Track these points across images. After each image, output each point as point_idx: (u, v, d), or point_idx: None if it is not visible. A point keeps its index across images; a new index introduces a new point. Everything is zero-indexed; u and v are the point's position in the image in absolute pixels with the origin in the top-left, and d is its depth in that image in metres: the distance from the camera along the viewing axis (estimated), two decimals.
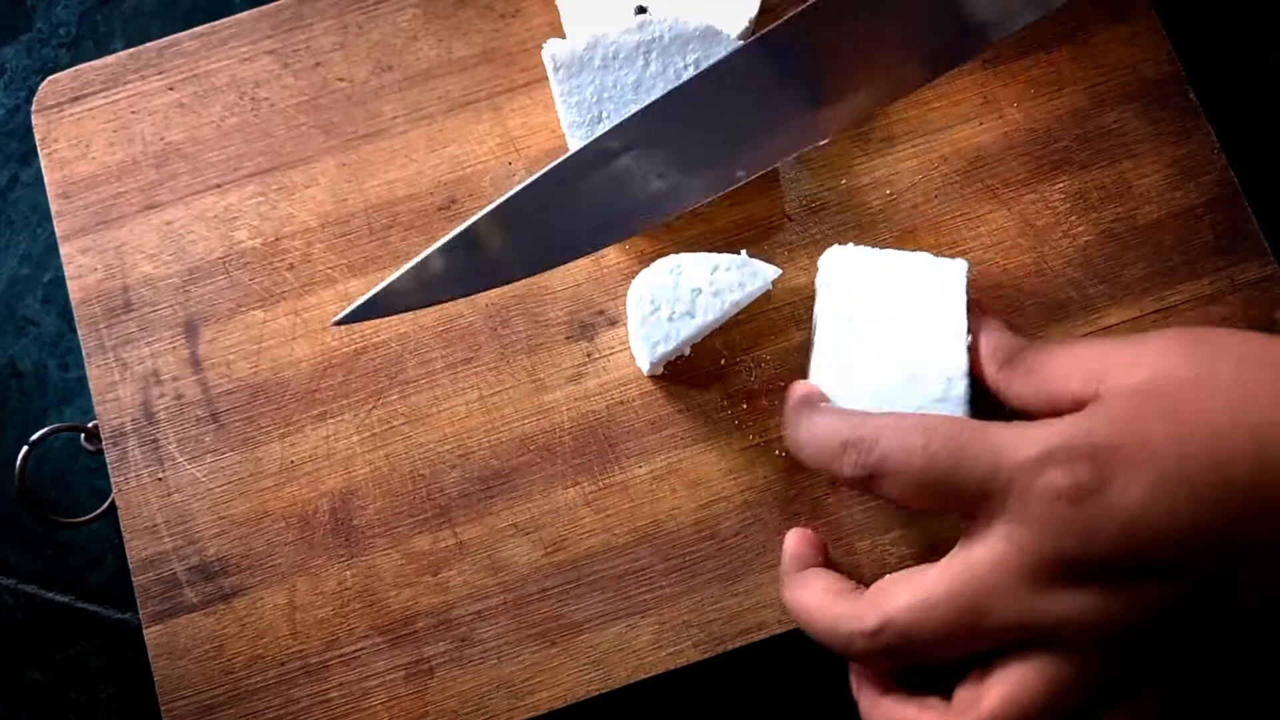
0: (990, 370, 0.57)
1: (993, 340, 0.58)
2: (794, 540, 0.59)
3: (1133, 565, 0.48)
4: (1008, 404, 0.57)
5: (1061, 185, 0.65)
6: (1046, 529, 0.48)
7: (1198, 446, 0.47)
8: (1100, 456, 0.48)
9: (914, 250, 0.59)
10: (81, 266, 0.65)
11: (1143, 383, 0.50)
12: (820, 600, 0.54)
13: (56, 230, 0.66)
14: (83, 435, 0.65)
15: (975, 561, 0.50)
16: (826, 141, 0.60)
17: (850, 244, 0.60)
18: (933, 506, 0.52)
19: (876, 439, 0.52)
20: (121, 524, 0.62)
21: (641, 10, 0.63)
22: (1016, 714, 0.49)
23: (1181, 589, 0.48)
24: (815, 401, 0.57)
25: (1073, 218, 0.64)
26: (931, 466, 0.51)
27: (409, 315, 0.64)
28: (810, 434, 0.56)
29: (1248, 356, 0.49)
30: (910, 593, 0.51)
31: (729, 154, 0.59)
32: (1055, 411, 0.52)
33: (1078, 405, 0.52)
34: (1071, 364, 0.53)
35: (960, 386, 0.57)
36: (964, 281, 0.59)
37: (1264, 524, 0.47)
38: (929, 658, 0.51)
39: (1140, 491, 0.47)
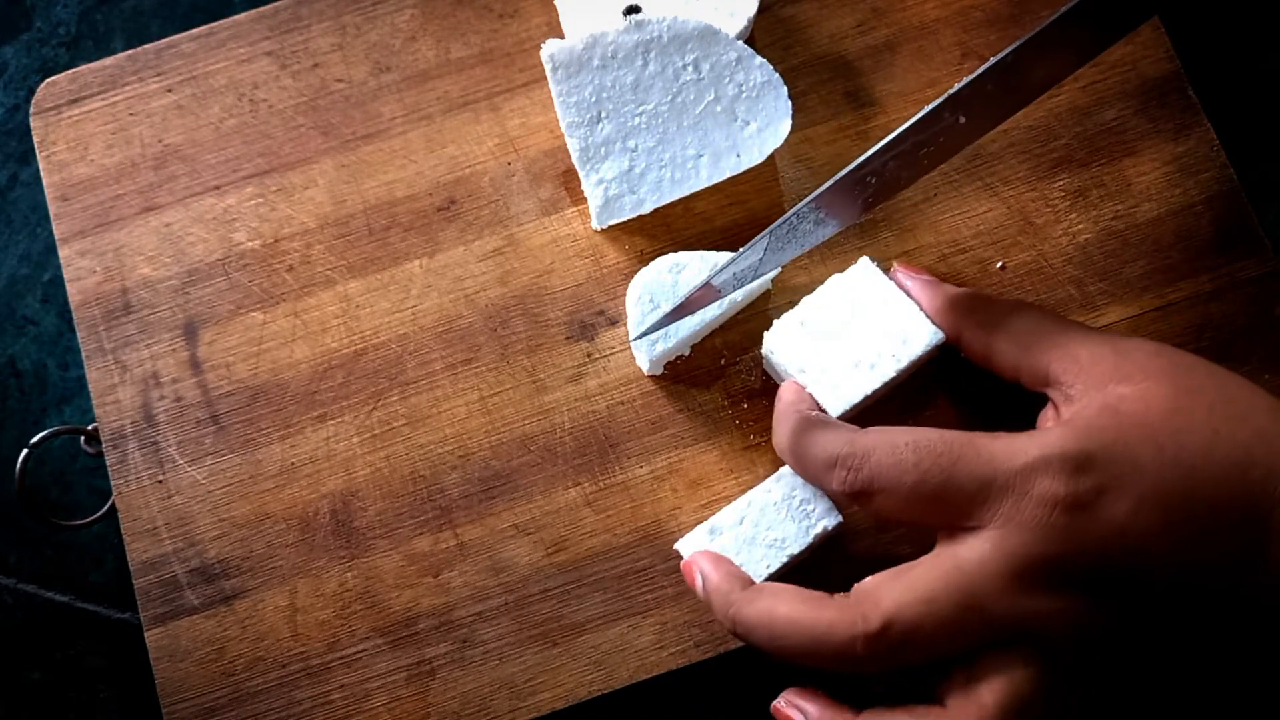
0: (950, 316, 0.59)
1: (946, 291, 0.60)
2: (711, 560, 0.57)
3: (1114, 575, 0.51)
4: (967, 353, 0.59)
5: (1061, 183, 0.65)
6: (1039, 533, 0.50)
7: (1176, 477, 0.51)
8: (1093, 470, 0.51)
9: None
10: (80, 269, 0.65)
11: (1125, 399, 0.53)
12: (801, 609, 0.53)
13: (55, 233, 0.66)
14: (82, 438, 0.65)
15: (965, 560, 0.51)
16: None
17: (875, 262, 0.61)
18: (919, 518, 0.53)
19: (867, 455, 0.53)
20: (122, 527, 0.62)
21: (634, 10, 0.63)
22: (1017, 710, 0.51)
23: (1153, 600, 0.51)
24: (804, 409, 0.57)
25: (1072, 215, 0.64)
26: (924, 482, 0.52)
27: (409, 316, 0.64)
28: (799, 445, 0.56)
29: (1219, 404, 0.52)
30: (906, 590, 0.51)
31: None
32: (1017, 375, 0.57)
33: (1046, 382, 0.56)
34: (1054, 343, 0.55)
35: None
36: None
37: (1218, 550, 0.51)
38: (926, 656, 0.52)
39: (1126, 509, 0.50)
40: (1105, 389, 0.53)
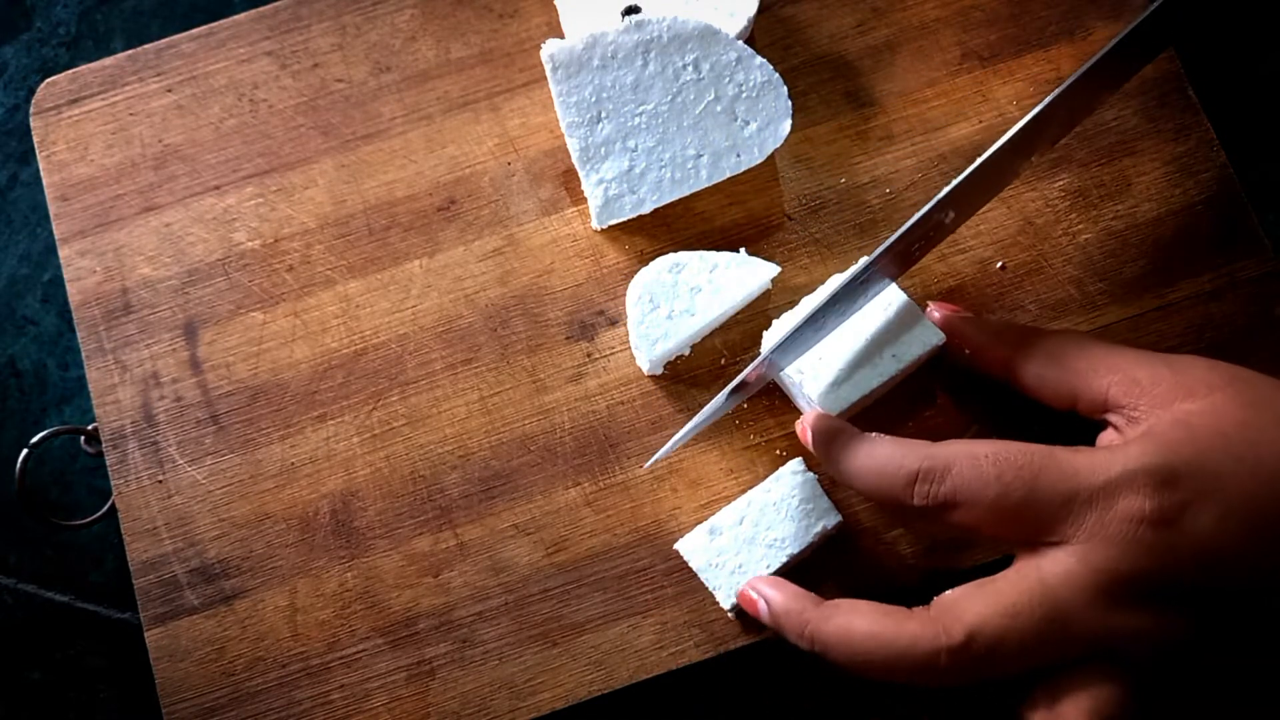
0: (1000, 350, 0.58)
1: (992, 324, 0.60)
2: (770, 583, 0.57)
3: (1195, 587, 0.50)
4: (1019, 386, 0.58)
5: (1061, 183, 0.65)
6: (1125, 549, 0.50)
7: (1259, 485, 0.50)
8: (1178, 484, 0.50)
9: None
10: (80, 269, 0.65)
11: (1194, 414, 0.52)
12: (882, 623, 0.53)
13: (55, 233, 0.66)
14: (83, 438, 0.65)
15: (1049, 574, 0.51)
16: None
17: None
18: (999, 532, 0.53)
19: (948, 469, 0.53)
20: (122, 527, 0.62)
21: (633, 10, 0.63)
22: None
23: (1230, 610, 0.51)
24: (853, 430, 0.56)
25: (1073, 215, 0.64)
26: (1006, 495, 0.52)
27: (409, 315, 0.64)
28: (871, 465, 0.55)
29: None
30: (989, 604, 0.51)
31: None
32: (1074, 403, 0.56)
33: (1105, 407, 0.55)
34: (1109, 367, 0.55)
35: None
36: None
37: None
38: (1007, 671, 0.52)
39: (1210, 522, 0.50)
40: (1171, 406, 0.53)
